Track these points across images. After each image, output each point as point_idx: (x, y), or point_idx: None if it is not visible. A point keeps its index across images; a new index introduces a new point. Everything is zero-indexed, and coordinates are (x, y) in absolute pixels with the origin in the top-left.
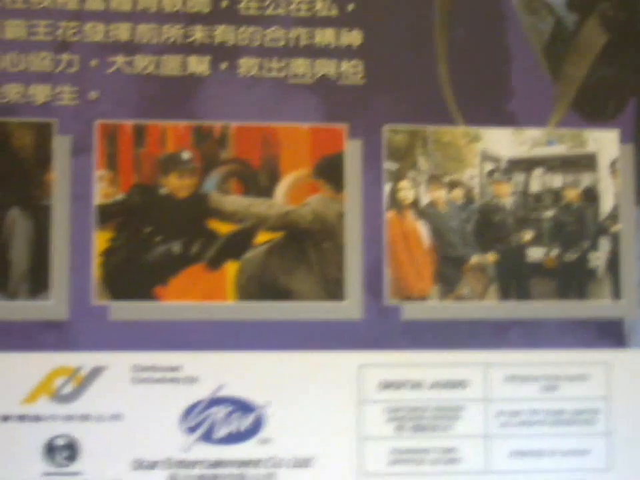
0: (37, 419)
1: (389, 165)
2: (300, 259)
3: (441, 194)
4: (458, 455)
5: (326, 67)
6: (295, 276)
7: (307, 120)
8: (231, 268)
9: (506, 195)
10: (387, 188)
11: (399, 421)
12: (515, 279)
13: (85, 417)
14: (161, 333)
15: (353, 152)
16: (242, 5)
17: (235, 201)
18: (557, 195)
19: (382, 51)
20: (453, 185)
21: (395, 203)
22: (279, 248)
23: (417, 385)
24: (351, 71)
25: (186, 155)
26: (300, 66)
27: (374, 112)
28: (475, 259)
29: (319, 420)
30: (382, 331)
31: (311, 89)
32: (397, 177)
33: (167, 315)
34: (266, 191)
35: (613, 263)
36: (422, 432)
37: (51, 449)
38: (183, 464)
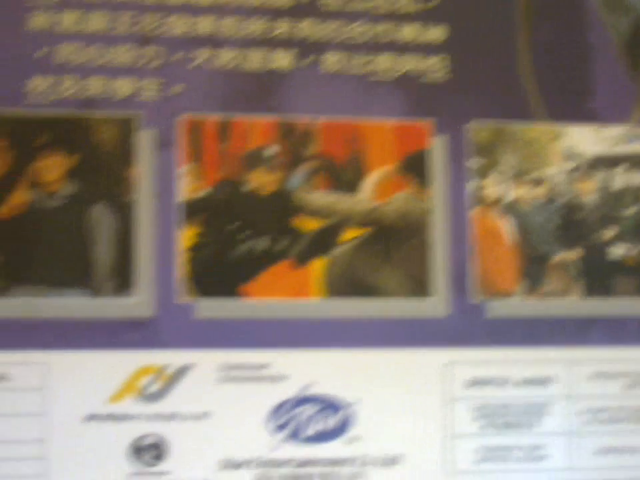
0: (122, 418)
1: (473, 162)
2: (386, 256)
3: (525, 191)
4: (543, 452)
5: (410, 63)
6: (381, 273)
7: (391, 116)
8: (316, 265)
9: (588, 192)
10: (471, 185)
11: (485, 418)
12: (597, 276)
13: (171, 416)
14: (247, 331)
15: (438, 148)
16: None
17: (320, 198)
18: (638, 192)
19: (466, 47)
20: (536, 183)
21: (480, 200)
22: (365, 245)
23: (502, 382)
24: (436, 67)
25: (271, 151)
26: (384, 62)
27: (458, 108)
28: (558, 256)
29: (406, 418)
30: (467, 328)
31: (395, 85)
32: (482, 174)
33: (253, 312)
34: (351, 188)
35: None
36: (508, 429)
37: (137, 449)
38: (270, 463)
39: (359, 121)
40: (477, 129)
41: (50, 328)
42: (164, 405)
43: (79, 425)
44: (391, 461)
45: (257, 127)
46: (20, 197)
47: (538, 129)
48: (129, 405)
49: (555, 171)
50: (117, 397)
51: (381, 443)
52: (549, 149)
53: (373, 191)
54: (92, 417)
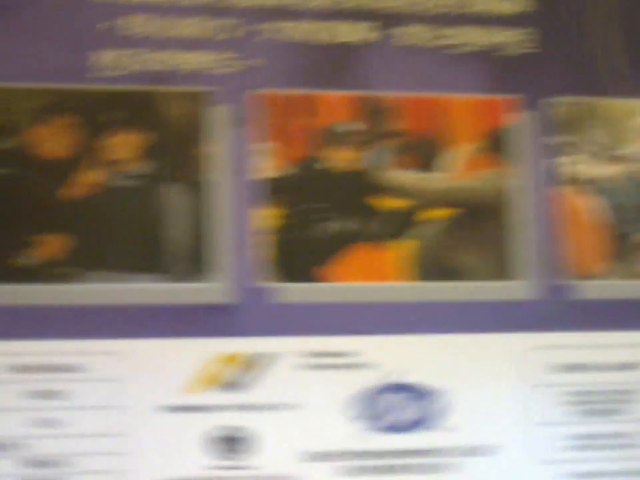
0: (201, 409)
1: (560, 139)
2: (469, 237)
3: (614, 169)
4: (630, 440)
5: (495, 36)
6: (465, 255)
7: (475, 91)
8: (400, 247)
9: None
10: (558, 162)
11: (572, 405)
12: None
13: (251, 407)
14: (330, 316)
15: (521, 125)
16: None
17: (403, 176)
18: None
19: (553, 20)
20: (621, 159)
21: (567, 177)
22: (448, 225)
23: (589, 367)
24: (521, 39)
25: (351, 127)
26: (467, 34)
27: (542, 83)
28: None
29: (491, 405)
30: (554, 311)
31: (479, 58)
32: (569, 150)
33: (336, 296)
34: (434, 166)
35: None
36: (594, 416)
37: (216, 442)
38: (357, 455)
39: (441, 97)
40: (562, 105)
41: (125, 315)
42: (244, 395)
43: (156, 417)
44: (474, 451)
45: (336, 102)
46: (91, 177)
47: (623, 105)
48: (207, 395)
49: None
50: (196, 387)
51: (466, 432)
52: (635, 125)
53: (456, 170)
54: (170, 409)
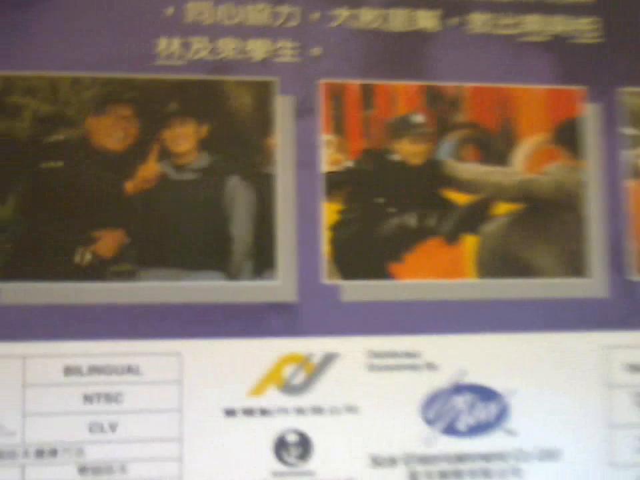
0: (264, 413)
1: (630, 130)
2: (540, 233)
3: None
4: None
5: (561, 25)
6: (535, 251)
7: (542, 81)
8: (468, 242)
9: None
10: (628, 155)
11: None
12: None
13: (317, 410)
14: (397, 315)
15: (592, 116)
16: None
17: (471, 169)
18: None
19: (620, 8)
20: None
21: (636, 170)
22: (518, 220)
23: None
24: (588, 28)
25: (418, 118)
26: (534, 23)
27: (612, 73)
28: None
29: (564, 407)
30: (628, 309)
31: (546, 47)
32: (637, 143)
33: (403, 294)
34: (503, 159)
35: None
36: None
37: (280, 446)
38: (424, 459)
39: (509, 87)
40: (632, 96)
41: (184, 314)
42: (308, 398)
43: (218, 421)
44: (547, 455)
45: (402, 92)
46: (148, 171)
47: None
48: (271, 398)
49: None
50: (258, 389)
51: (539, 435)
52: None
53: (525, 163)
54: (231, 412)
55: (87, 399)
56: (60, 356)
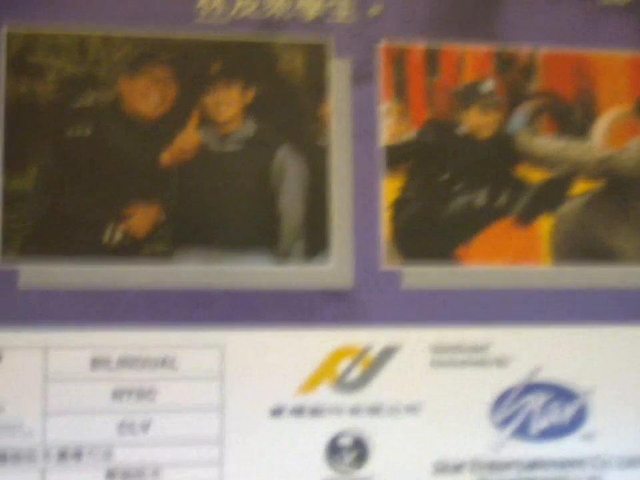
0: (316, 412)
1: None
2: (622, 214)
3: None
4: None
5: None
6: (617, 234)
7: (623, 47)
8: (543, 224)
9: None
10: None
11: None
12: None
13: (374, 410)
14: (463, 304)
15: None
16: None
17: (546, 143)
18: None
19: None
20: None
21: None
22: (599, 200)
23: None
24: None
25: (488, 86)
26: None
27: None
28: None
29: None
30: None
31: (630, 9)
32: None
33: (470, 281)
34: (581, 132)
35: None
36: None
37: (333, 451)
38: (493, 465)
39: (588, 52)
40: None
41: (225, 302)
42: (365, 396)
43: (262, 422)
44: (629, 463)
45: (470, 57)
46: (188, 140)
47: None
48: (322, 396)
49: None
50: (309, 386)
51: (620, 440)
52: None
53: (606, 136)
54: (278, 412)
55: (116, 395)
56: (86, 347)
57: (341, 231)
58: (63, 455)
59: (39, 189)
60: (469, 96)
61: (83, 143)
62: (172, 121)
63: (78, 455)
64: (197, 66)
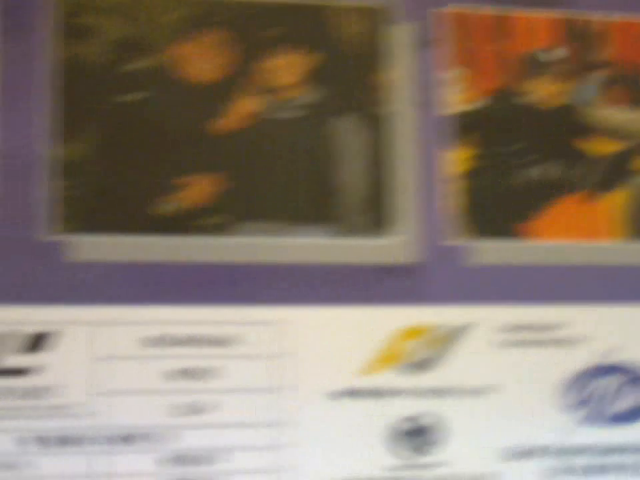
0: (379, 395)
1: None
2: None
3: None
4: None
5: None
6: None
7: None
8: (616, 198)
9: None
10: None
11: None
12: None
13: (440, 393)
14: (533, 281)
15: None
16: None
17: (617, 114)
18: None
19: None
20: None
21: None
22: None
23: None
24: None
25: (558, 54)
26: None
27: None
28: None
29: None
30: None
31: None
32: None
33: (541, 257)
34: None
35: None
36: None
37: (396, 436)
38: (564, 452)
39: None
40: None
41: (284, 277)
42: (430, 378)
43: (322, 405)
44: None
45: (540, 24)
46: (246, 106)
47: None
48: (387, 378)
49: None
50: (373, 367)
51: None
52: None
53: None
54: (339, 394)
55: (169, 375)
56: (137, 324)
57: (405, 203)
58: (111, 440)
59: (88, 157)
60: (537, 64)
61: (135, 109)
62: (228, 87)
63: (128, 439)
64: (254, 30)
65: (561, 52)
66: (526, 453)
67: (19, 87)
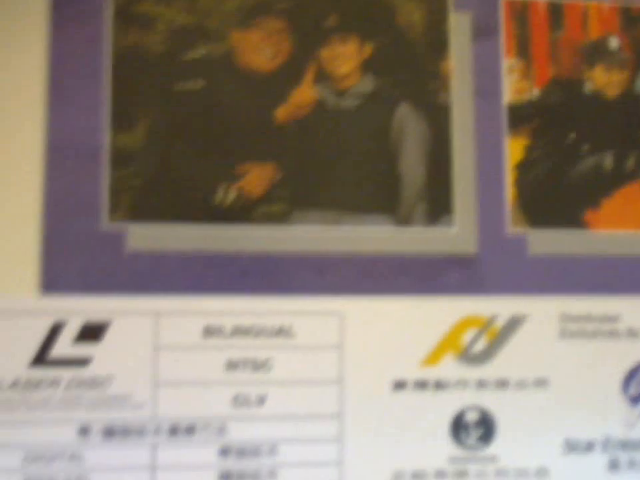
0: (441, 385)
1: None
2: None
3: None
4: None
5: None
6: None
7: None
8: None
9: None
10: None
11: None
12: None
13: (501, 383)
14: (592, 271)
15: None
16: None
17: None
18: None
19: None
20: None
21: None
22: None
23: None
24: None
25: (614, 43)
26: None
27: None
28: None
29: None
30: None
31: None
32: None
33: (600, 247)
34: None
35: None
36: None
37: (459, 426)
38: (626, 445)
39: None
40: None
41: (344, 266)
42: (491, 368)
43: (385, 395)
44: None
45: (595, 13)
46: (303, 95)
47: None
48: (447, 368)
49: None
50: (433, 358)
51: None
52: None
53: None
54: (401, 385)
55: (231, 365)
56: (199, 313)
57: (464, 192)
58: (174, 430)
59: (147, 145)
60: (594, 53)
61: (194, 97)
62: (287, 75)
63: (190, 429)
64: (313, 18)
65: (616, 41)
66: (587, 446)
67: (79, 77)
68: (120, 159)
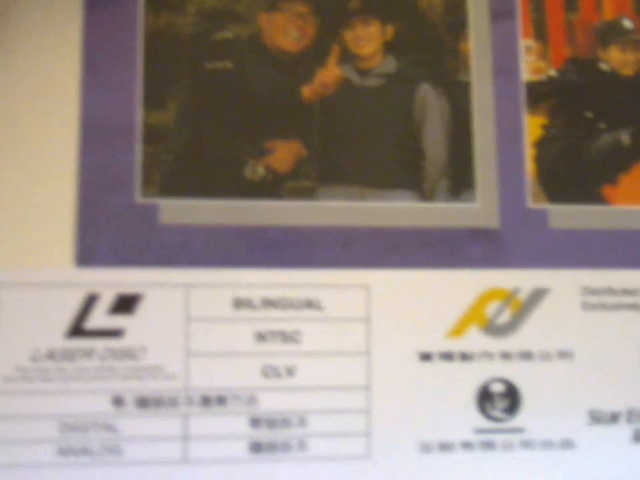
0: (466, 357)
1: None
2: None
3: None
4: None
5: None
6: None
7: None
8: None
9: None
10: None
11: None
12: None
13: (525, 355)
14: (612, 245)
15: None
16: None
17: None
18: None
19: None
20: None
21: None
22: None
23: None
24: None
25: (628, 24)
26: None
27: None
28: None
29: None
30: None
31: None
32: None
33: (619, 221)
34: None
35: None
36: None
37: (485, 397)
38: None
39: None
40: None
41: (370, 240)
42: (515, 340)
43: (411, 367)
44: None
45: None
46: (328, 75)
47: None
48: (472, 340)
49: None
50: (458, 329)
51: None
52: None
53: None
54: (427, 356)
55: (260, 337)
56: (229, 286)
57: (485, 168)
58: (206, 401)
59: (179, 122)
60: (609, 33)
61: (223, 76)
62: (312, 56)
63: (222, 400)
64: (336, 2)
65: (630, 21)
66: (612, 417)
67: (112, 57)
68: (152, 135)
